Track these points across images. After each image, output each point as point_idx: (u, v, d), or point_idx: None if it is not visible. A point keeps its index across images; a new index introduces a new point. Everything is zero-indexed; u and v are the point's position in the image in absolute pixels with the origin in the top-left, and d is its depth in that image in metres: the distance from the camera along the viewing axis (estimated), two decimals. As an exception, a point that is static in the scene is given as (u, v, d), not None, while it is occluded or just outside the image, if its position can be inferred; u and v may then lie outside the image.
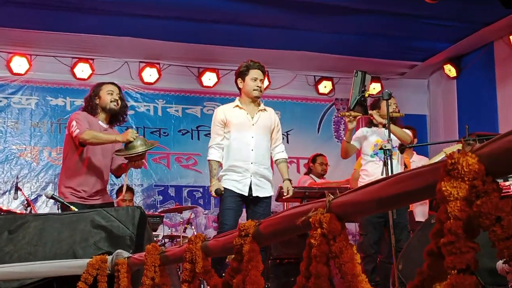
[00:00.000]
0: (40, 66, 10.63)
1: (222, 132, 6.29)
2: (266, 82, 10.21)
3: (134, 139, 5.75)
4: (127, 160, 5.91)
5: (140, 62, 11.08)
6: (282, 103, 11.73)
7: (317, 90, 12.00)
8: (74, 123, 5.79)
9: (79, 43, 10.22)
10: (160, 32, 9.92)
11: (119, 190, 9.16)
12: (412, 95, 11.96)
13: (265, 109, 6.40)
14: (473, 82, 10.99)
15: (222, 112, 6.34)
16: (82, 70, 10.70)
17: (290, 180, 6.42)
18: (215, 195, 6.21)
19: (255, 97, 6.31)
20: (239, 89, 6.42)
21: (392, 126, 6.33)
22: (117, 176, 6.63)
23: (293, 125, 11.68)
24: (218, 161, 6.27)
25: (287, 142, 11.49)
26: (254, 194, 6.12)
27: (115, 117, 6.17)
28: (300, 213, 1.99)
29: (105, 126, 6.04)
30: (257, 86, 6.27)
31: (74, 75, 10.70)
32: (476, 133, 6.78)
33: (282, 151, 6.47)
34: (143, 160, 6.07)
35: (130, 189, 9.36)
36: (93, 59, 10.81)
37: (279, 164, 6.46)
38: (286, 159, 6.49)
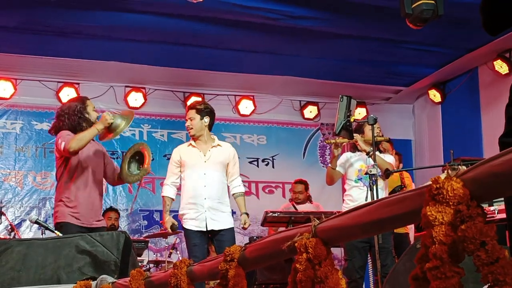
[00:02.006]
0: (25, 90, 10.57)
1: (177, 171, 6.52)
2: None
3: (113, 119, 5.86)
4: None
5: (126, 86, 11.05)
6: (267, 128, 11.75)
7: (302, 115, 12.01)
8: (59, 140, 5.81)
9: (65, 67, 10.19)
10: (146, 57, 9.92)
11: (105, 211, 9.16)
12: (397, 120, 12.01)
13: (219, 145, 6.51)
14: (458, 107, 11.04)
15: (177, 152, 6.57)
16: (68, 95, 10.62)
17: (247, 214, 6.51)
18: (170, 231, 6.58)
19: (191, 135, 6.49)
20: None
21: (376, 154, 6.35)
22: (115, 184, 6.82)
23: (278, 150, 11.67)
24: (171, 198, 6.59)
25: (273, 167, 11.50)
26: (209, 228, 6.23)
27: None
28: (285, 238, 1.98)
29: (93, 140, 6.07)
30: (186, 126, 6.53)
31: (59, 99, 10.62)
32: (461, 158, 6.79)
33: (239, 185, 6.57)
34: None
35: (114, 209, 9.40)
36: (78, 84, 10.77)
37: (236, 198, 6.58)
38: (243, 193, 6.60)
